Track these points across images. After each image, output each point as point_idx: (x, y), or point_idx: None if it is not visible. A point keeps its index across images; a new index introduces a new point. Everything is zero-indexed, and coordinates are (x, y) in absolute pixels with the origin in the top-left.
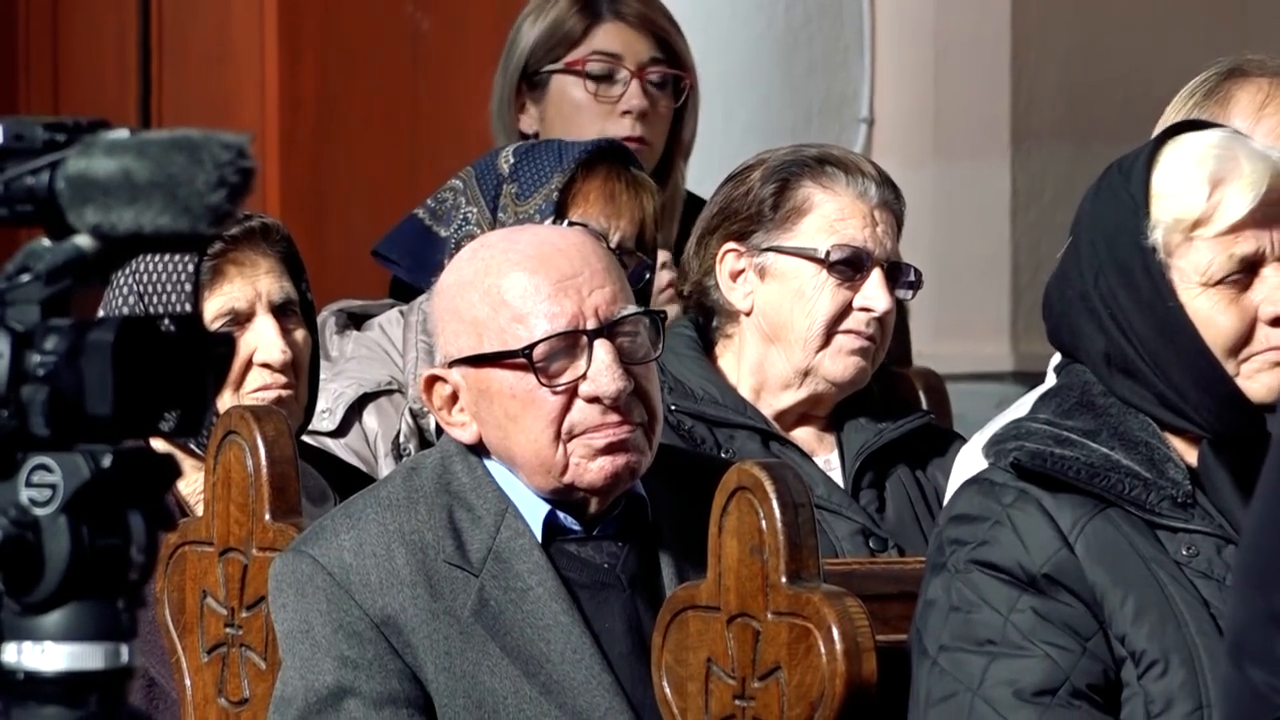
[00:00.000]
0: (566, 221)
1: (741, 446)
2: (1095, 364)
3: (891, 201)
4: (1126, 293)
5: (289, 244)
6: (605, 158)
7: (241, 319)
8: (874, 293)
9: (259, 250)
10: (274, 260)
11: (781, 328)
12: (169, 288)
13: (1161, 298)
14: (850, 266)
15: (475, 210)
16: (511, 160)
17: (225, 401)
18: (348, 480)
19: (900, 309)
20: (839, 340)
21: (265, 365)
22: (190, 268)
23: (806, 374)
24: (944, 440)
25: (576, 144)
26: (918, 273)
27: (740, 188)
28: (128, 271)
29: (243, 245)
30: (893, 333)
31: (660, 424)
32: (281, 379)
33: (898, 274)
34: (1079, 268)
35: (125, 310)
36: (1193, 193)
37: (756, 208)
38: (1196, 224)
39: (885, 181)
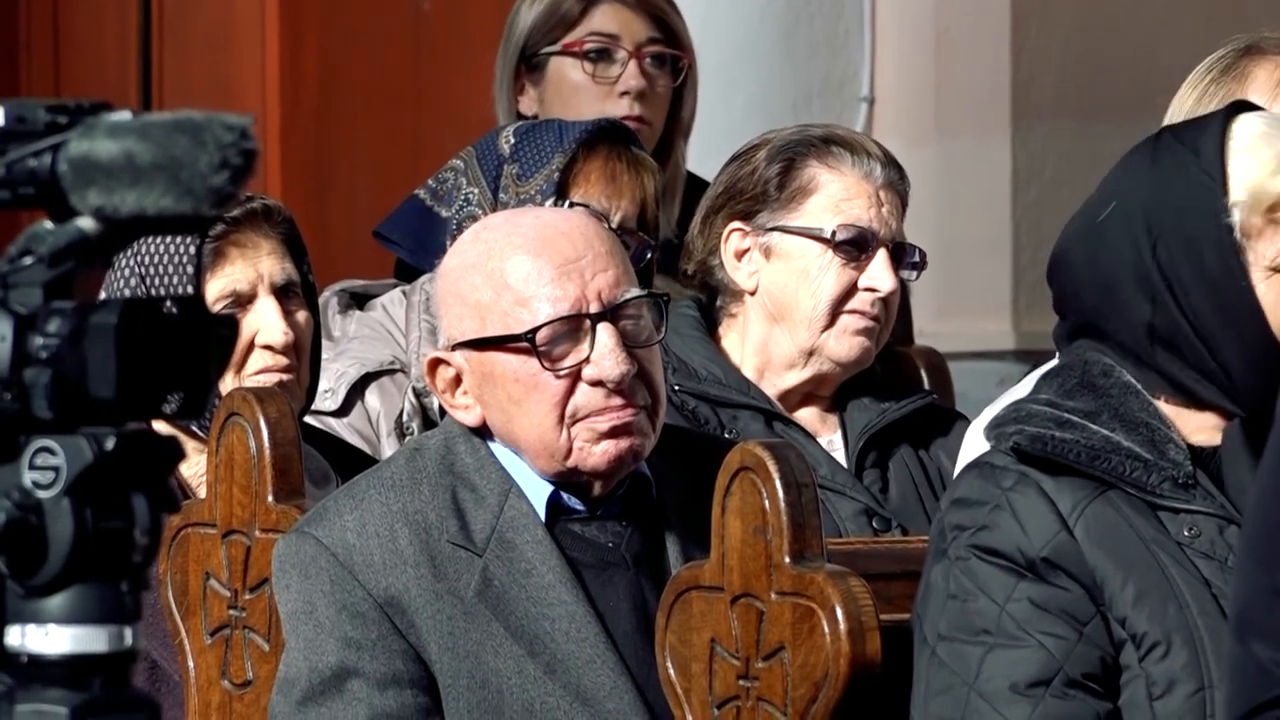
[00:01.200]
0: (568, 202)
1: (745, 427)
2: (1133, 334)
3: (896, 182)
4: (1191, 268)
5: (291, 225)
6: (606, 137)
7: (243, 300)
8: (879, 273)
9: (260, 231)
10: (276, 242)
11: (786, 307)
12: (171, 270)
13: (1233, 277)
14: (855, 246)
15: (476, 191)
16: (512, 140)
17: (227, 383)
18: (350, 461)
19: (902, 288)
20: (844, 320)
21: (267, 347)
22: (192, 250)
23: (811, 354)
24: (947, 420)
25: (577, 124)
26: (922, 253)
27: (745, 167)
28: (129, 254)
29: (244, 227)
30: (896, 307)
31: (664, 406)
32: (283, 360)
33: (902, 254)
34: (1128, 237)
35: (127, 292)
36: (1274, 175)
37: (762, 187)
38: (1275, 206)
39: (890, 162)
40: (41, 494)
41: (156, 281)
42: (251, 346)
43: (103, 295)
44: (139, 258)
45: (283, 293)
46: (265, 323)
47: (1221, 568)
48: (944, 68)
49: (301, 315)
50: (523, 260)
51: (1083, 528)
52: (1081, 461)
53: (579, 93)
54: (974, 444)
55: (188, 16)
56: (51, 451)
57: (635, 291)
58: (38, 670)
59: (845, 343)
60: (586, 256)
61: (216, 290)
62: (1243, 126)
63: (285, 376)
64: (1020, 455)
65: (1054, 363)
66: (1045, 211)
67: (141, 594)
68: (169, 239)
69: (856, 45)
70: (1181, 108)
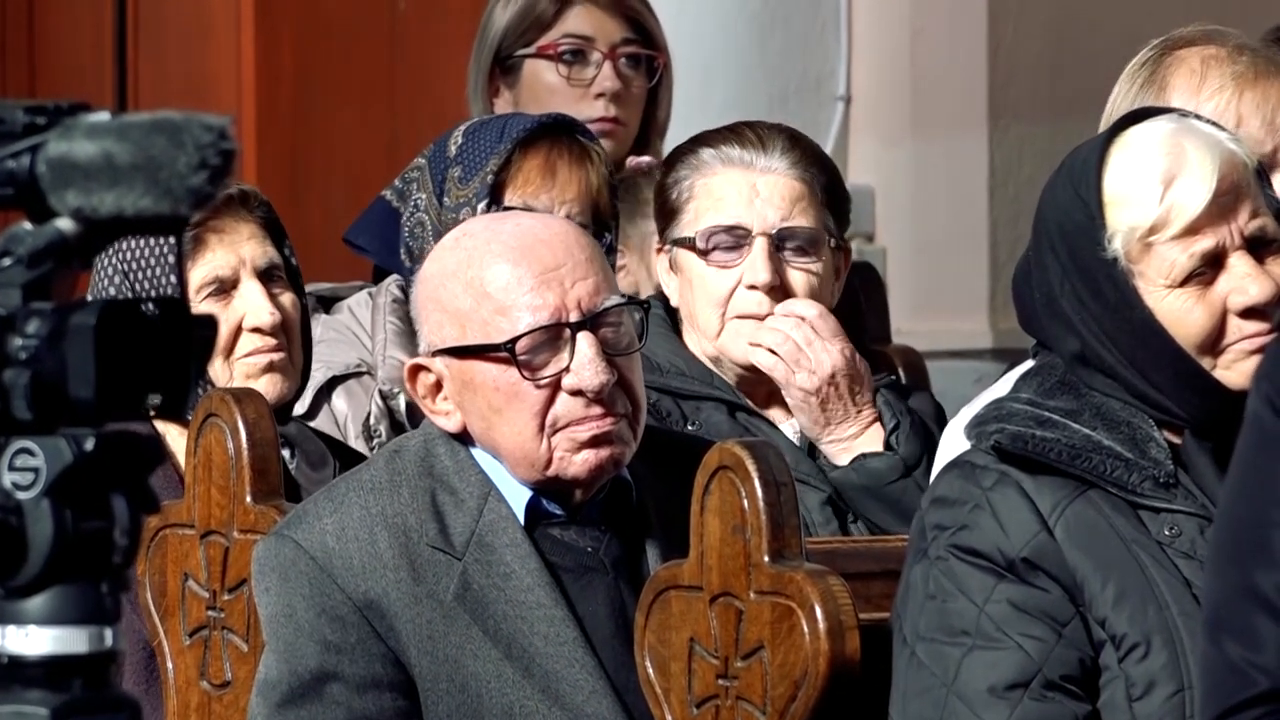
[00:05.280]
0: (502, 205)
1: (708, 418)
2: (1069, 363)
3: (787, 168)
4: (1094, 300)
5: (269, 209)
6: (549, 132)
7: (227, 286)
8: (754, 267)
9: (239, 217)
10: (255, 225)
11: (692, 318)
12: (155, 268)
13: (1130, 306)
14: (728, 248)
15: (424, 195)
16: (459, 141)
17: (217, 370)
18: (342, 453)
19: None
20: (734, 325)
21: (255, 330)
22: (172, 239)
23: (718, 361)
24: (907, 393)
25: (521, 119)
26: (831, 230)
27: (658, 186)
28: (113, 253)
29: (222, 214)
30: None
31: (644, 414)
32: (272, 342)
33: (796, 240)
34: (1043, 270)
35: (112, 291)
36: (1145, 198)
37: (660, 204)
38: (1153, 230)
39: (785, 147)
40: (21, 495)
41: (141, 279)
42: (239, 330)
43: (88, 296)
44: (122, 257)
45: (266, 276)
46: (251, 306)
47: (1202, 568)
48: (920, 66)
49: (287, 297)
50: (502, 268)
51: (1063, 528)
52: (1062, 461)
53: (554, 95)
54: (953, 442)
55: (162, 15)
56: (31, 453)
57: (615, 299)
58: (18, 671)
59: (738, 346)
60: (566, 265)
61: (199, 278)
62: (1120, 149)
63: (276, 356)
64: (1001, 454)
65: (1031, 362)
66: (1022, 210)
67: (121, 595)
68: (152, 238)
69: (833, 44)
70: (1114, 112)
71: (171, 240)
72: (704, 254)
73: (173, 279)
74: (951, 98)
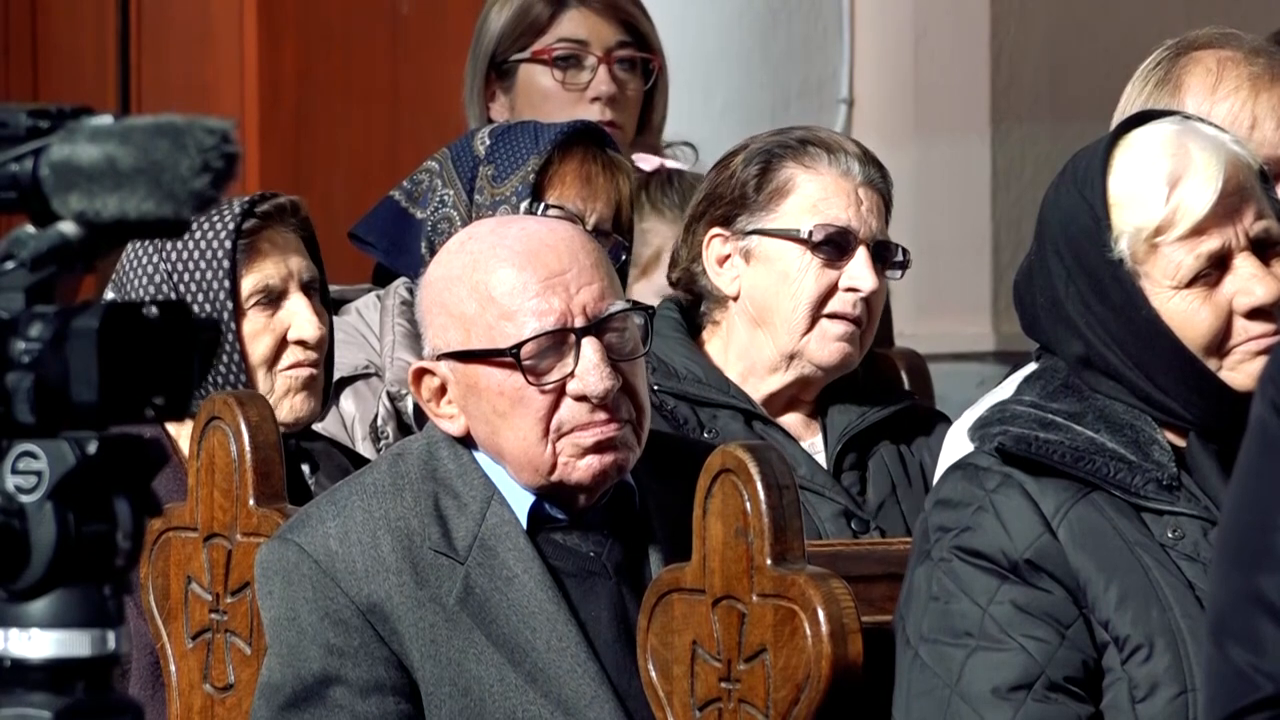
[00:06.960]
0: (543, 204)
1: (724, 426)
2: (1073, 366)
3: (876, 180)
4: (1100, 302)
5: (308, 223)
6: (581, 139)
7: (275, 296)
8: (859, 272)
9: (288, 227)
10: (299, 239)
11: (768, 311)
12: (205, 270)
13: (1135, 307)
14: (834, 247)
15: (451, 192)
16: (488, 142)
17: (260, 380)
18: (359, 465)
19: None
20: (824, 325)
21: (299, 342)
22: (228, 244)
23: (792, 357)
24: (928, 420)
25: (553, 125)
26: (905, 252)
27: (724, 172)
28: (154, 251)
29: (274, 223)
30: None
31: (648, 419)
32: (314, 355)
33: (885, 253)
34: (1047, 273)
35: (152, 290)
36: (1151, 199)
37: (740, 191)
38: (1159, 230)
39: (870, 160)
40: (24, 498)
41: (187, 280)
42: (284, 342)
43: (111, 295)
44: (165, 256)
45: (308, 289)
46: (298, 319)
47: (1205, 570)
48: (923, 69)
49: (323, 313)
50: (508, 273)
51: (1066, 530)
52: (1065, 463)
53: (550, 99)
54: (956, 445)
55: (166, 19)
56: (34, 456)
57: (620, 304)
58: (20, 675)
59: (826, 347)
60: (572, 270)
61: (250, 285)
62: (1125, 151)
63: (315, 370)
64: (1004, 456)
65: (1033, 365)
66: (1025, 213)
67: (124, 598)
68: (200, 236)
69: (835, 47)
70: (1125, 113)
71: (228, 244)
72: (814, 248)
73: (226, 284)
74: (954, 101)
